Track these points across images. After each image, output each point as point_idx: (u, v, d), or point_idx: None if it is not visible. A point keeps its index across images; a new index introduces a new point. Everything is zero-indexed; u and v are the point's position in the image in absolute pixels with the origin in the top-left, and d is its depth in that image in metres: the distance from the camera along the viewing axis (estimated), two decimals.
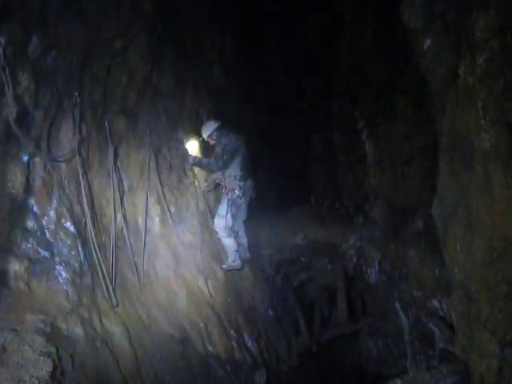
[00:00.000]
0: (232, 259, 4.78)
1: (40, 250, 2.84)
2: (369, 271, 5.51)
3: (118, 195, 3.63)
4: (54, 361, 2.41)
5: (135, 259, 3.73)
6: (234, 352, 4.35)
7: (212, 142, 4.78)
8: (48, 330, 2.59)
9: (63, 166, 3.11)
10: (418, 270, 4.45)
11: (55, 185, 3.01)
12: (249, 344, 4.64)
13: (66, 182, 3.11)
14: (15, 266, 2.68)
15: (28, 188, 2.82)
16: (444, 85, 2.84)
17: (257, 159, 5.19)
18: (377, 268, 5.41)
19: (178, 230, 4.45)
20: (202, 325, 4.13)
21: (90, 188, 3.36)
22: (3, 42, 2.39)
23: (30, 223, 2.84)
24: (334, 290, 5.96)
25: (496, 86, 2.19)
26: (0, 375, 2.17)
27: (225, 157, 4.53)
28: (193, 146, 4.85)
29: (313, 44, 8.16)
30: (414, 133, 4.92)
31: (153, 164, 4.17)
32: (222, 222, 4.66)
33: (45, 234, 2.89)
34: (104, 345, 2.93)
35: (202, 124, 4.88)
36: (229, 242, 4.73)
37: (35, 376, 2.24)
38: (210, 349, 4.08)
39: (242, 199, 4.69)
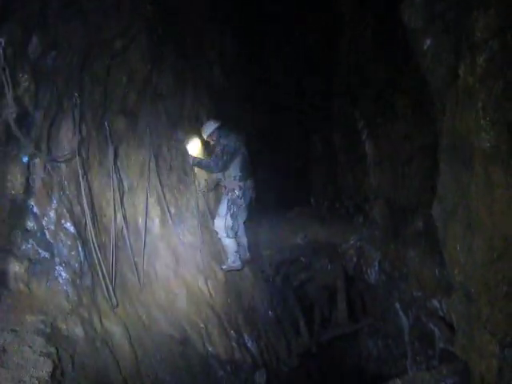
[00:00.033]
0: (232, 260, 4.78)
1: (40, 251, 2.84)
2: (369, 271, 5.51)
3: (118, 195, 3.63)
4: (53, 361, 2.40)
5: (135, 259, 3.73)
6: (233, 352, 4.35)
7: (212, 142, 4.78)
8: (48, 330, 2.58)
9: (63, 166, 3.11)
10: (418, 270, 4.45)
11: (55, 185, 3.01)
12: (249, 344, 4.64)
13: (65, 183, 3.11)
14: (15, 267, 2.68)
15: (28, 189, 2.82)
16: (444, 85, 2.83)
17: (257, 159, 5.20)
18: (377, 268, 5.41)
19: (178, 230, 4.45)
20: (201, 325, 4.13)
21: (89, 188, 3.36)
22: (3, 42, 2.38)
23: (30, 224, 2.84)
24: (334, 290, 5.96)
25: (496, 86, 2.19)
26: (0, 376, 2.17)
27: (224, 157, 4.53)
28: (193, 147, 4.85)
29: (313, 44, 8.17)
30: (414, 133, 4.92)
31: (153, 164, 4.17)
32: (222, 222, 4.66)
33: (45, 234, 2.89)
34: (104, 345, 2.93)
35: (201, 124, 4.89)
36: (229, 243, 4.73)
37: (35, 376, 2.24)
38: (209, 349, 4.08)
39: (242, 199, 4.69)
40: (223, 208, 4.69)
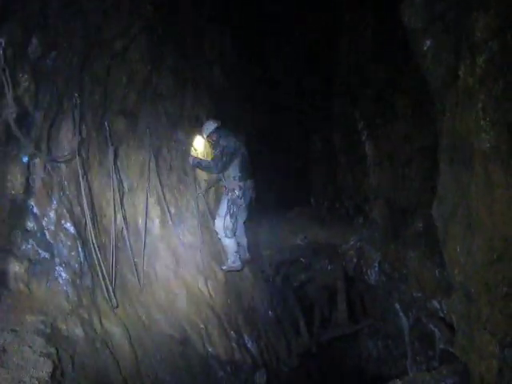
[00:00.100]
0: (232, 260, 4.77)
1: (40, 251, 2.84)
2: (369, 272, 5.51)
3: (117, 196, 3.62)
4: (53, 362, 2.40)
5: (135, 260, 3.73)
6: (233, 353, 4.35)
7: (211, 143, 4.78)
8: (48, 330, 2.58)
9: (63, 166, 3.11)
10: (418, 271, 4.45)
11: (55, 186, 3.01)
12: (249, 345, 4.64)
13: (65, 183, 3.11)
14: (15, 267, 2.68)
15: (28, 189, 2.82)
16: (444, 85, 2.84)
17: (257, 159, 5.19)
18: (377, 269, 5.41)
19: (178, 230, 4.45)
20: (201, 325, 4.13)
21: (89, 189, 3.36)
22: (3, 42, 2.38)
23: (30, 224, 2.84)
24: (333, 291, 5.96)
25: (496, 87, 2.19)
26: (0, 376, 2.17)
27: (224, 158, 4.52)
28: (193, 147, 4.85)
29: (313, 44, 8.16)
30: (413, 133, 4.93)
31: (153, 165, 4.16)
32: (222, 222, 4.66)
33: (45, 234, 2.89)
34: (104, 345, 2.93)
35: (201, 124, 4.88)
36: (229, 243, 4.73)
37: (35, 377, 2.24)
38: (209, 349, 4.08)
39: (242, 199, 4.69)
40: (223, 208, 4.69)
